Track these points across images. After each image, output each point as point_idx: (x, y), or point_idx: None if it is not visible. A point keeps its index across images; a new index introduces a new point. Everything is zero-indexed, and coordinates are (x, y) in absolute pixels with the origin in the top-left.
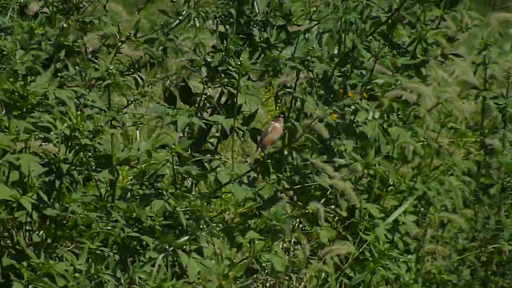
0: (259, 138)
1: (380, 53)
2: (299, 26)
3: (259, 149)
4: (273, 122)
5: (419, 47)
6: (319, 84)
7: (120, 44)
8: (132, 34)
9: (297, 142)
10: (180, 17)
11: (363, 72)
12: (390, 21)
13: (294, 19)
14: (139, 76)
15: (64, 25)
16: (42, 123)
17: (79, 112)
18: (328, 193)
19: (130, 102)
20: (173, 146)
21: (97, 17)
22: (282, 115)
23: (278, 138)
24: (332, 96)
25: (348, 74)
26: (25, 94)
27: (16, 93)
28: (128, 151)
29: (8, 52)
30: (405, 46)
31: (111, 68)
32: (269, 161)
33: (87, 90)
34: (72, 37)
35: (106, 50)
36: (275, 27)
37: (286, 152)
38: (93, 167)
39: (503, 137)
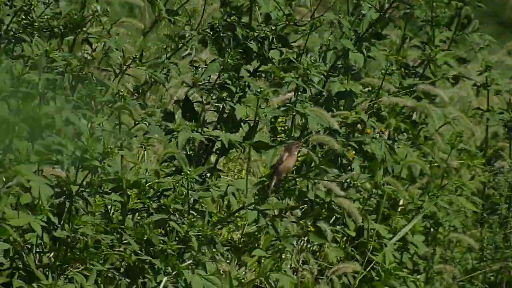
0: (274, 166)
1: (387, 70)
2: (299, 26)
3: (275, 177)
4: (288, 149)
5: (428, 69)
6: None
7: (125, 68)
8: (137, 58)
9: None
10: (183, 41)
11: (369, 89)
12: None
13: (296, 21)
14: (143, 101)
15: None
16: (53, 145)
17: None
18: (335, 213)
19: (137, 123)
20: (188, 172)
21: (102, 41)
22: (297, 142)
23: (293, 165)
24: (330, 106)
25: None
26: (36, 116)
27: (28, 115)
28: (137, 173)
29: (18, 74)
30: (414, 66)
31: (122, 90)
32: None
33: (94, 113)
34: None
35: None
36: (274, 39)
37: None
38: (103, 190)
39: (509, 155)
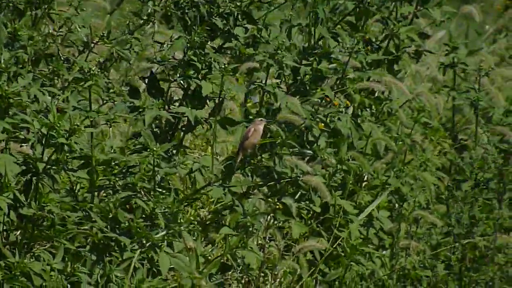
0: (239, 141)
1: (354, 49)
2: (264, 3)
3: (240, 152)
4: (253, 125)
5: (392, 44)
6: (288, 76)
7: (92, 46)
8: (104, 35)
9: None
10: (148, 18)
11: (337, 67)
12: (358, 9)
13: None
14: (106, 77)
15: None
16: (20, 123)
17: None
18: (301, 189)
19: (104, 101)
20: (154, 149)
21: (69, 19)
22: (262, 119)
23: (259, 141)
24: (302, 88)
25: (315, 65)
26: (4, 94)
27: None
28: (107, 152)
29: None
30: (377, 43)
31: (93, 69)
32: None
33: (61, 90)
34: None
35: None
36: (239, 15)
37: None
38: (69, 167)
39: (475, 133)
